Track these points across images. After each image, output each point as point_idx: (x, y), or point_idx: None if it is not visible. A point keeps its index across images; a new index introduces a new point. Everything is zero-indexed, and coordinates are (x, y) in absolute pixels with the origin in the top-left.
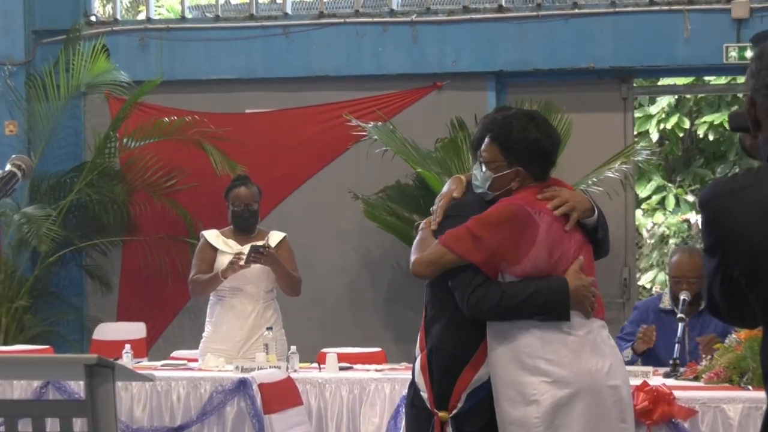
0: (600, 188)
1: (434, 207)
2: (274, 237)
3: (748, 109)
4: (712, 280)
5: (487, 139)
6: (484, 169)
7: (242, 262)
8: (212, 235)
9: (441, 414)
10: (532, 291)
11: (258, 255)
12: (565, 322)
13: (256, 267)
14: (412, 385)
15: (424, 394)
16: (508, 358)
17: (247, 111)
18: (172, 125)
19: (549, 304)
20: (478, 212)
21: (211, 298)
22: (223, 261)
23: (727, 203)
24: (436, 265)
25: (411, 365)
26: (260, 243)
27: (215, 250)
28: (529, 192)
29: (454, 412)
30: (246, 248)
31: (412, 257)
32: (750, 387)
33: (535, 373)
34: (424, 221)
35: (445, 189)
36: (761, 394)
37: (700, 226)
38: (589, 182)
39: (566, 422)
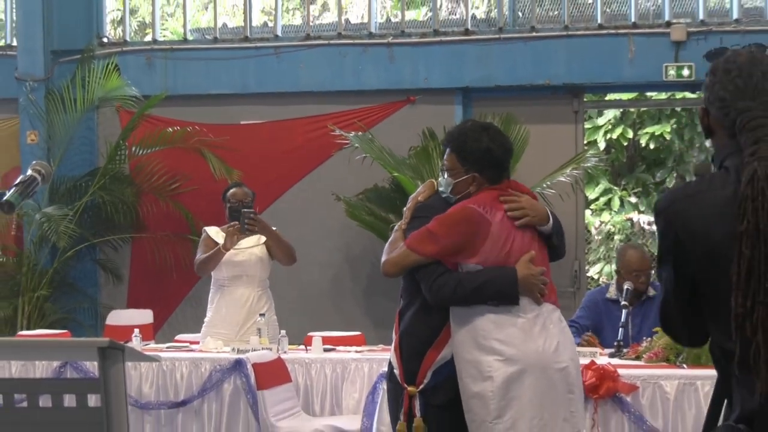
0: (553, 191)
1: (405, 209)
2: None
3: (701, 118)
4: (668, 296)
5: (447, 150)
6: (445, 176)
7: (237, 229)
8: (213, 231)
9: (410, 389)
10: (484, 280)
11: (252, 221)
12: (516, 306)
13: (252, 258)
14: (389, 363)
15: (397, 371)
16: (467, 339)
17: (242, 122)
18: (176, 135)
19: (499, 291)
20: (442, 213)
21: (212, 287)
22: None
23: (685, 206)
24: (401, 266)
25: (387, 347)
26: (249, 210)
27: (216, 244)
28: (486, 194)
29: (421, 387)
30: (236, 244)
31: (383, 258)
32: (685, 365)
33: (490, 353)
34: (399, 223)
35: (415, 193)
36: (695, 371)
37: (641, 225)
38: (544, 185)
39: (518, 395)
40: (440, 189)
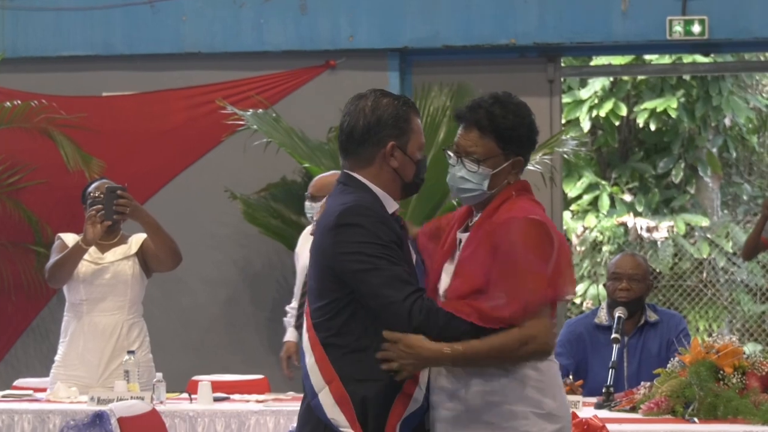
0: None
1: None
2: (137, 239)
3: None
4: None
5: (473, 130)
6: (477, 167)
7: (100, 215)
8: (70, 238)
9: None
10: None
11: (122, 203)
12: None
13: (120, 274)
14: (319, 426)
15: (347, 431)
16: (491, 383)
17: (105, 94)
18: (15, 111)
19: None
20: (377, 212)
21: (65, 314)
22: (81, 268)
23: None
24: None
25: (299, 395)
26: (117, 186)
27: None
28: (534, 202)
29: None
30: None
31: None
32: (696, 419)
33: (528, 404)
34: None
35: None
36: (709, 427)
37: (638, 231)
38: None
39: None
40: (463, 187)
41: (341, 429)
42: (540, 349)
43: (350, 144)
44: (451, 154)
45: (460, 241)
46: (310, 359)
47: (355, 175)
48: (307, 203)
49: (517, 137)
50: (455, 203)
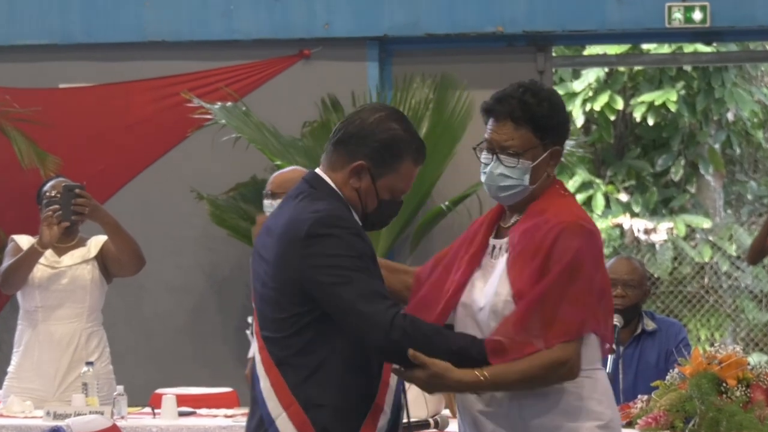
0: None
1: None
2: (96, 242)
3: None
4: None
5: (507, 122)
6: (517, 161)
7: (57, 216)
8: (24, 240)
9: None
10: None
11: (81, 203)
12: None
13: (79, 279)
14: None
15: None
16: (547, 399)
17: (62, 86)
18: None
19: None
20: (352, 223)
21: (19, 322)
22: (37, 272)
23: None
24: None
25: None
26: (75, 185)
27: None
28: (574, 201)
29: None
30: (73, 259)
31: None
32: None
33: (589, 417)
34: None
35: None
36: None
37: (635, 233)
38: None
39: None
40: (504, 185)
41: None
42: (567, 376)
43: (333, 140)
44: (485, 152)
45: (494, 247)
46: (264, 383)
47: (325, 177)
48: (266, 201)
49: (554, 125)
50: (444, 207)
